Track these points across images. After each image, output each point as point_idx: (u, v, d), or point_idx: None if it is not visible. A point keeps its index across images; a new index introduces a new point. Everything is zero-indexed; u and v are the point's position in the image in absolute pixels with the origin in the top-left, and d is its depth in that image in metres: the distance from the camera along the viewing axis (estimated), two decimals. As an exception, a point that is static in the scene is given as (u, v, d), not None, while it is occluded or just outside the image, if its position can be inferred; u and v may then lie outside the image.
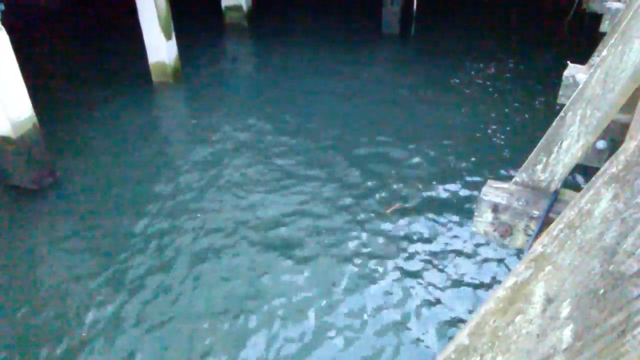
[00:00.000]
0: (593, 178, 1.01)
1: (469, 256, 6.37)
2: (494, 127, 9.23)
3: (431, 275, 6.09)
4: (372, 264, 6.26)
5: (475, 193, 7.33)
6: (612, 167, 0.95)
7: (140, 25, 10.49)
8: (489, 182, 2.41)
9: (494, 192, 2.34)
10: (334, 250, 6.46)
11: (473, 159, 8.26)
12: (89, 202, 7.41)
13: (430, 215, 7.05)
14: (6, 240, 6.74)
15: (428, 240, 6.62)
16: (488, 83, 10.97)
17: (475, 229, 2.40)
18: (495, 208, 2.29)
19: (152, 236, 6.74)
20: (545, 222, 2.14)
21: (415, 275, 6.10)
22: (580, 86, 2.09)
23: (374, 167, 8.14)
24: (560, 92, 3.40)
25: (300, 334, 5.38)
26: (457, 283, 5.98)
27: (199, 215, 7.11)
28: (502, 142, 8.77)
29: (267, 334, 5.39)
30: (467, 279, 6.04)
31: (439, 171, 7.98)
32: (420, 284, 5.99)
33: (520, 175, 2.33)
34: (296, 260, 6.32)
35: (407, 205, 7.27)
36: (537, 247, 1.06)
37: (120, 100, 10.38)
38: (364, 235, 6.71)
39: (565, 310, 1.05)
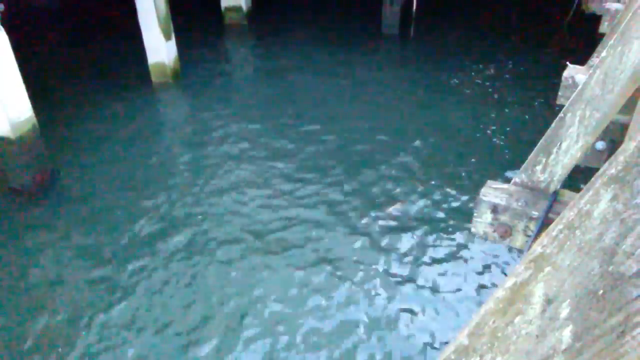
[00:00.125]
0: (592, 179, 1.01)
1: (468, 255, 6.37)
2: (493, 127, 9.23)
3: (431, 274, 6.09)
4: (373, 261, 6.26)
5: (474, 193, 7.33)
6: (611, 167, 0.95)
7: (140, 25, 10.49)
8: (489, 182, 2.41)
9: (493, 192, 2.34)
10: (335, 249, 6.46)
11: (473, 159, 8.27)
12: (88, 203, 7.40)
13: (430, 215, 7.05)
14: (4, 243, 6.73)
15: (428, 240, 6.62)
16: (488, 83, 10.98)
17: (474, 230, 2.40)
18: (495, 209, 2.29)
19: (152, 237, 6.74)
20: (545, 223, 2.15)
21: (415, 273, 6.10)
22: (580, 87, 2.09)
23: (374, 166, 8.14)
24: (560, 93, 3.40)
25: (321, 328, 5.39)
26: (457, 281, 5.98)
27: (199, 216, 7.11)
28: (502, 143, 8.78)
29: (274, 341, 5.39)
30: (466, 277, 6.04)
31: (438, 171, 7.98)
32: (421, 281, 5.99)
33: (519, 176, 2.33)
34: (297, 259, 6.32)
35: (407, 204, 7.27)
36: (537, 248, 1.06)
37: (120, 101, 10.38)
38: (365, 235, 6.71)
39: (564, 311, 1.05)
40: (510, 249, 6.28)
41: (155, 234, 6.78)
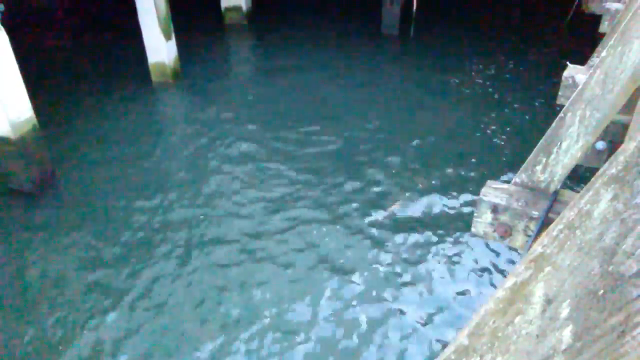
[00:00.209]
0: (592, 179, 1.01)
1: (467, 253, 6.37)
2: (493, 127, 9.23)
3: (431, 274, 6.09)
4: (374, 258, 6.26)
5: (474, 193, 7.33)
6: (611, 167, 0.95)
7: (140, 25, 10.49)
8: (489, 182, 2.41)
9: (493, 192, 2.34)
10: (337, 247, 6.46)
11: (473, 159, 8.27)
12: (87, 204, 7.40)
13: (430, 215, 7.05)
14: (2, 243, 6.72)
15: (427, 240, 6.62)
16: (488, 83, 10.97)
17: (474, 230, 2.40)
18: (495, 209, 2.29)
19: (151, 237, 6.74)
20: (545, 223, 2.14)
21: (416, 272, 6.10)
22: (580, 87, 2.09)
23: (374, 166, 8.14)
24: (560, 93, 3.40)
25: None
26: (457, 279, 5.98)
27: (199, 216, 7.11)
28: (502, 143, 8.78)
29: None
30: (467, 275, 6.04)
31: (438, 171, 7.98)
32: (420, 281, 5.99)
33: (519, 176, 2.33)
34: (297, 258, 6.32)
35: (407, 204, 7.27)
36: (537, 248, 1.06)
37: (120, 101, 10.38)
38: (366, 233, 6.71)
39: (564, 311, 1.05)
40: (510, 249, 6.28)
41: (154, 235, 6.78)
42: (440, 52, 12.54)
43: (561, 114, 2.13)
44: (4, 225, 7.03)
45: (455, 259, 6.35)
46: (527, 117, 9.57)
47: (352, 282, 6.01)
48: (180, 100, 10.99)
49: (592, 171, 2.02)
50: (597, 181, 0.98)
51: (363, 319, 5.55)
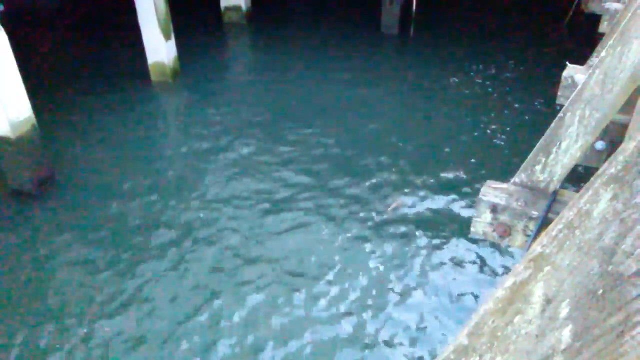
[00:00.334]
0: (592, 179, 1.01)
1: (467, 253, 6.37)
2: (493, 127, 9.23)
3: (431, 271, 6.09)
4: (374, 255, 6.26)
5: (474, 193, 7.34)
6: (611, 167, 0.95)
7: (140, 25, 10.49)
8: (488, 182, 2.40)
9: (493, 192, 2.34)
10: (340, 244, 6.46)
11: (473, 159, 8.27)
12: (87, 204, 7.40)
13: (430, 214, 7.05)
14: (1, 243, 6.72)
15: (427, 240, 6.62)
16: (488, 83, 10.98)
17: (474, 230, 2.40)
18: (495, 209, 2.29)
19: (151, 238, 6.74)
20: (544, 223, 2.14)
21: (416, 270, 6.10)
22: (579, 87, 2.09)
23: (374, 165, 8.14)
24: (559, 93, 3.40)
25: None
26: (456, 277, 5.98)
27: (201, 215, 7.11)
28: (502, 143, 8.78)
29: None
30: (465, 273, 6.04)
31: (438, 170, 7.98)
32: (421, 278, 5.99)
33: (519, 176, 2.33)
34: (296, 257, 6.32)
35: (407, 203, 7.27)
36: (536, 248, 1.06)
37: (120, 101, 10.37)
38: (367, 232, 6.71)
39: (564, 311, 1.05)
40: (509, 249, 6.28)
41: (154, 235, 6.78)
42: (440, 52, 12.54)
43: (561, 114, 2.13)
44: (3, 225, 7.03)
45: (454, 259, 6.35)
46: (527, 117, 9.57)
47: (353, 282, 6.01)
48: (179, 100, 10.99)
49: (592, 171, 2.02)
50: (596, 181, 0.98)
51: (363, 321, 5.56)
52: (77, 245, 6.64)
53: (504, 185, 2.36)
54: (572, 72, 3.37)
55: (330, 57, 12.51)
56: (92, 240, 6.71)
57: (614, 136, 2.75)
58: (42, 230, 6.94)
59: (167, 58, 10.85)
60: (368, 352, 5.21)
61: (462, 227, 6.81)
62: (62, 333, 5.43)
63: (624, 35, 1.93)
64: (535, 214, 2.20)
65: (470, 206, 7.12)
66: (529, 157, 2.27)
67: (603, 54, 1.99)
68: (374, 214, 7.08)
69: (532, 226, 2.21)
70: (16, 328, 5.50)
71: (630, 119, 2.56)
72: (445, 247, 6.53)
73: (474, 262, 6.30)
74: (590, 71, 2.05)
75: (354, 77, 11.42)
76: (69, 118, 9.64)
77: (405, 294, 5.84)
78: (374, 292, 5.86)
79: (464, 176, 7.86)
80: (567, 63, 3.51)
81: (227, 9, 14.71)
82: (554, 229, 1.04)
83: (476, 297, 5.80)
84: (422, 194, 7.49)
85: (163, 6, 10.38)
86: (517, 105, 9.98)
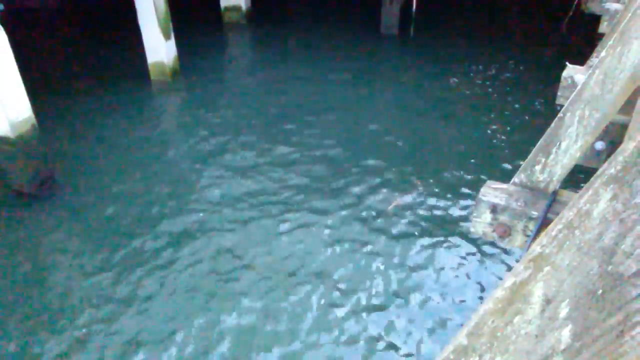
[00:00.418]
0: (592, 179, 1.01)
1: (466, 253, 6.37)
2: (493, 127, 9.24)
3: (429, 268, 6.09)
4: (374, 252, 6.26)
5: (474, 193, 7.34)
6: (610, 167, 0.95)
7: (139, 25, 10.49)
8: (488, 182, 2.41)
9: (492, 192, 2.34)
10: (342, 241, 6.46)
11: (472, 159, 8.27)
12: (86, 204, 7.40)
13: (429, 213, 7.06)
14: (3, 243, 6.72)
15: (425, 236, 6.63)
16: (487, 83, 10.98)
17: (473, 230, 2.40)
18: (494, 209, 2.29)
19: (150, 238, 6.74)
20: (544, 223, 2.14)
21: (415, 267, 6.10)
22: (579, 87, 2.09)
23: (374, 165, 8.14)
24: (559, 93, 3.40)
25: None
26: (455, 274, 5.99)
27: (201, 214, 7.11)
28: (502, 143, 8.78)
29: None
30: (464, 270, 6.05)
31: (438, 170, 7.99)
32: (419, 275, 5.99)
33: (518, 176, 2.33)
34: (302, 252, 6.32)
35: (406, 202, 7.28)
36: (536, 248, 1.06)
37: (119, 101, 10.38)
38: (367, 230, 6.72)
39: (563, 311, 1.05)
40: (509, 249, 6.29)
41: (153, 236, 6.78)
42: (440, 52, 12.55)
43: (560, 114, 2.13)
44: (2, 224, 7.03)
45: (454, 259, 6.35)
46: (526, 117, 9.57)
47: (353, 282, 6.01)
48: (179, 100, 10.99)
49: (591, 171, 2.02)
50: (596, 181, 0.98)
51: (363, 324, 5.56)
52: (76, 246, 6.64)
53: (504, 185, 2.36)
54: (572, 72, 3.37)
55: (330, 56, 12.51)
56: (92, 241, 6.70)
57: (613, 136, 2.75)
58: (42, 229, 6.94)
59: (166, 58, 10.85)
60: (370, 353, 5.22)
61: (462, 227, 6.81)
62: (59, 333, 5.43)
63: (623, 35, 1.93)
64: (534, 214, 2.20)
65: (470, 206, 7.12)
66: (529, 157, 2.27)
67: (603, 53, 1.99)
68: (373, 213, 7.08)
69: (532, 226, 2.22)
70: (13, 328, 5.49)
71: (629, 119, 2.56)
72: (444, 247, 6.53)
73: (473, 262, 6.30)
74: (590, 71, 2.05)
75: (354, 76, 11.42)
76: (69, 118, 9.64)
77: (404, 294, 5.85)
78: (374, 292, 5.87)
79: (464, 176, 7.86)
80: (567, 63, 3.51)
81: (227, 8, 14.71)
82: (553, 229, 1.04)
83: (476, 297, 5.81)
84: (421, 193, 7.49)
85: (163, 6, 10.38)
86: (517, 105, 9.99)
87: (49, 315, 5.64)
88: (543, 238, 1.05)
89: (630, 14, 1.93)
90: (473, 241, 6.56)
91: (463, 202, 7.28)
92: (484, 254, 6.40)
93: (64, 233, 6.87)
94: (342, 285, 5.93)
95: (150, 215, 7.12)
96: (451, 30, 13.86)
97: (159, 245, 6.58)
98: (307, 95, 10.64)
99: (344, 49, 12.91)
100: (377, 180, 7.79)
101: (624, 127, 2.69)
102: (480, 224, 2.36)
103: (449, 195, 7.45)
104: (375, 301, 5.74)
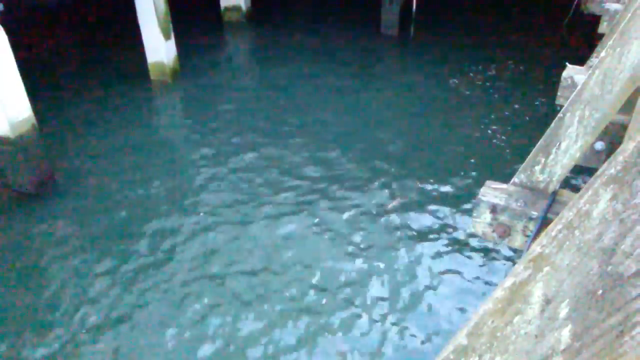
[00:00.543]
0: (591, 179, 1.01)
1: (466, 253, 6.37)
2: (494, 127, 9.24)
3: (428, 266, 6.09)
4: (373, 250, 6.26)
5: (474, 193, 7.34)
6: (610, 168, 0.95)
7: (139, 25, 10.48)
8: (488, 182, 2.41)
9: (492, 192, 2.34)
10: (344, 238, 6.47)
11: (473, 159, 8.27)
12: (86, 204, 7.40)
13: (429, 213, 7.06)
14: (1, 243, 6.71)
15: (424, 235, 6.63)
16: (488, 84, 10.98)
17: (473, 230, 2.40)
18: (494, 209, 2.29)
19: (149, 238, 6.74)
20: (544, 223, 2.14)
21: (415, 265, 6.10)
22: (579, 87, 2.09)
23: (374, 165, 8.15)
24: (559, 93, 3.40)
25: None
26: (452, 272, 5.99)
27: (201, 214, 7.11)
28: (502, 143, 8.78)
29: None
30: (462, 268, 6.05)
31: (438, 170, 7.99)
32: (418, 273, 5.99)
33: (518, 176, 2.33)
34: (303, 252, 6.32)
35: (406, 202, 7.28)
36: (536, 248, 1.06)
37: (119, 101, 10.37)
38: (368, 228, 6.73)
39: (563, 311, 1.05)
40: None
41: (153, 235, 6.78)
42: (440, 52, 12.54)
43: (560, 114, 2.13)
44: (2, 224, 7.03)
45: (453, 259, 6.35)
46: (527, 117, 9.57)
47: (353, 281, 6.01)
48: (179, 100, 10.99)
49: (591, 171, 2.02)
50: (596, 181, 0.98)
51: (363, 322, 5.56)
52: (76, 245, 6.64)
53: (504, 186, 2.36)
54: (572, 72, 3.37)
55: (330, 56, 12.51)
56: (91, 240, 6.70)
57: (613, 136, 2.75)
58: (41, 229, 6.94)
59: (166, 57, 10.85)
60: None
61: (462, 227, 6.81)
62: (56, 333, 5.43)
63: (623, 36, 1.93)
64: (534, 214, 2.20)
65: (470, 206, 7.13)
66: (529, 157, 2.27)
67: (602, 54, 1.99)
68: (374, 212, 7.08)
69: (532, 226, 2.21)
70: (12, 328, 5.49)
71: (629, 119, 2.56)
72: (444, 246, 6.53)
73: (473, 262, 6.30)
74: (590, 71, 2.05)
75: (354, 76, 11.42)
76: (69, 118, 9.63)
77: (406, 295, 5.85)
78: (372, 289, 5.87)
79: (464, 176, 7.86)
80: (567, 63, 3.51)
81: (227, 8, 14.70)
82: (553, 229, 1.04)
83: (474, 296, 5.81)
84: (421, 193, 7.49)
85: (163, 6, 10.37)
86: (517, 106, 9.99)
87: (46, 315, 5.63)
88: (543, 238, 1.05)
89: (630, 14, 1.93)
90: (473, 241, 6.56)
91: (463, 202, 7.28)
92: (483, 255, 6.40)
93: (64, 232, 6.86)
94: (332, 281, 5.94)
95: (150, 214, 7.11)
96: (451, 31, 13.85)
97: (158, 246, 6.57)
98: (306, 95, 10.64)
99: (344, 49, 12.91)
100: (377, 179, 7.79)
101: (623, 127, 2.69)
102: (480, 224, 2.36)
103: (448, 195, 7.45)
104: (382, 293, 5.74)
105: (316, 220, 6.98)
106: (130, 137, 9.15)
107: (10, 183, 7.54)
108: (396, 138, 8.93)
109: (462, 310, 5.64)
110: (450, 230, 6.80)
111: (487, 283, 6.00)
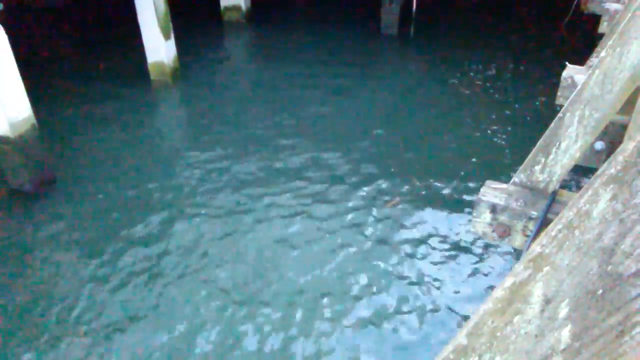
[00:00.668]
0: (591, 179, 1.01)
1: (465, 252, 6.38)
2: (494, 127, 9.24)
3: (426, 265, 6.10)
4: (374, 248, 6.27)
5: (473, 193, 7.34)
6: (610, 167, 0.95)
7: (139, 25, 10.48)
8: (488, 182, 2.41)
9: (492, 192, 2.34)
10: (345, 236, 6.47)
11: (473, 159, 8.27)
12: (86, 204, 7.39)
13: (428, 213, 7.06)
14: (1, 243, 6.71)
15: (424, 235, 6.63)
16: (488, 84, 10.98)
17: (473, 230, 2.41)
18: (494, 209, 2.29)
19: (149, 238, 6.74)
20: (544, 223, 2.15)
21: (413, 264, 6.11)
22: (579, 87, 2.09)
23: (374, 164, 8.15)
24: (559, 93, 3.40)
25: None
26: (450, 271, 5.99)
27: (201, 217, 7.10)
28: (502, 143, 8.78)
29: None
30: (460, 267, 6.05)
31: (438, 170, 7.98)
32: (416, 271, 6.00)
33: (518, 176, 2.33)
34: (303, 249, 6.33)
35: (405, 202, 7.28)
36: (536, 248, 1.06)
37: (119, 101, 10.37)
38: (367, 227, 6.73)
39: (563, 311, 1.05)
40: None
41: (152, 236, 6.78)
42: (440, 53, 12.54)
43: (560, 114, 2.13)
44: (2, 224, 7.03)
45: (452, 258, 6.35)
46: (527, 117, 9.57)
47: (354, 282, 6.02)
48: (179, 100, 10.99)
49: (590, 172, 2.02)
50: (596, 181, 0.98)
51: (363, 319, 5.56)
52: (75, 246, 6.64)
53: (503, 185, 2.37)
54: (572, 72, 3.37)
55: (330, 56, 12.50)
56: (91, 241, 6.70)
57: (613, 136, 2.75)
58: (41, 230, 6.93)
59: (166, 57, 10.84)
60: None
61: (461, 227, 6.81)
62: (57, 334, 5.43)
63: (623, 36, 1.93)
64: (534, 214, 2.21)
65: (470, 205, 7.13)
66: (528, 157, 2.27)
67: (602, 54, 1.99)
68: (373, 211, 7.08)
69: (532, 226, 2.22)
70: (11, 328, 5.49)
71: (629, 119, 2.56)
72: (443, 247, 6.53)
73: (472, 262, 6.30)
74: (590, 71, 2.05)
75: (354, 76, 11.41)
76: (69, 118, 9.63)
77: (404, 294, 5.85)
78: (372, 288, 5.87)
79: (464, 176, 7.85)
80: (567, 63, 3.51)
81: (227, 8, 14.71)
82: (553, 228, 1.04)
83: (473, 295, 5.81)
84: (421, 193, 7.49)
85: (163, 6, 10.37)
86: (517, 105, 9.99)
87: (44, 315, 5.64)
88: (543, 238, 1.06)
89: (630, 15, 1.94)
90: (472, 241, 6.56)
91: (463, 202, 7.28)
92: (482, 256, 6.41)
93: (63, 233, 6.86)
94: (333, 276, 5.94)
95: (150, 216, 7.11)
96: (451, 31, 13.86)
97: (157, 246, 6.57)
98: (306, 95, 10.63)
99: (344, 49, 12.91)
100: (376, 179, 7.79)
101: (623, 127, 2.69)
102: (480, 224, 2.36)
103: (448, 195, 7.45)
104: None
105: (316, 220, 6.97)
106: (130, 136, 9.15)
107: (9, 182, 7.54)
108: (396, 137, 8.93)
109: (461, 313, 5.64)
110: (451, 230, 6.80)
111: (489, 287, 6.01)
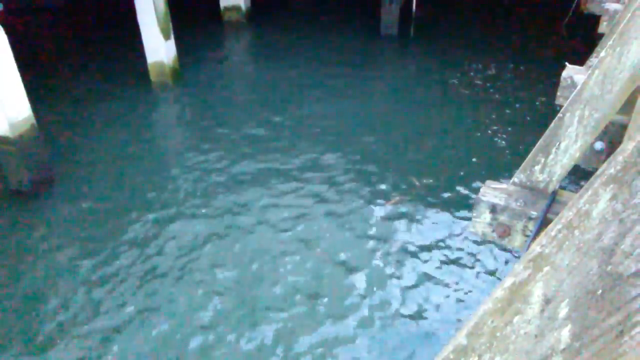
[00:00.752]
0: (591, 179, 1.01)
1: (465, 253, 6.38)
2: (494, 127, 9.24)
3: (426, 265, 6.10)
4: (373, 247, 6.27)
5: (473, 193, 7.34)
6: (610, 167, 0.95)
7: (139, 25, 10.48)
8: (487, 182, 2.41)
9: (492, 192, 2.34)
10: (344, 234, 6.47)
11: (473, 159, 8.27)
12: (86, 204, 7.39)
13: (428, 213, 7.06)
14: (0, 243, 6.71)
15: (424, 235, 6.63)
16: (488, 84, 10.98)
17: (473, 230, 2.40)
18: (494, 209, 2.29)
19: (149, 238, 6.74)
20: (544, 223, 2.14)
21: (413, 264, 6.11)
22: (579, 87, 2.09)
23: (374, 164, 8.15)
24: (558, 93, 3.39)
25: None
26: (451, 271, 5.99)
27: (203, 218, 7.10)
28: (502, 143, 8.78)
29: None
30: (460, 267, 6.05)
31: (438, 170, 7.99)
32: (415, 270, 6.00)
33: (518, 176, 2.33)
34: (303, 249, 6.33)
35: (405, 202, 7.28)
36: (536, 248, 1.06)
37: (119, 101, 10.37)
38: (367, 226, 6.73)
39: (563, 311, 1.05)
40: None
41: (152, 236, 6.78)
42: (440, 53, 12.54)
43: (560, 114, 2.13)
44: (1, 224, 7.02)
45: (452, 258, 6.35)
46: (527, 117, 9.58)
47: (355, 281, 6.01)
48: (179, 100, 10.98)
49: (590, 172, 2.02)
50: (595, 181, 0.98)
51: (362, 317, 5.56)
52: (75, 247, 6.64)
53: (503, 185, 2.36)
54: (571, 72, 3.37)
55: (330, 56, 12.50)
56: (90, 242, 6.70)
57: (613, 136, 2.75)
58: (40, 230, 6.93)
59: (166, 57, 10.84)
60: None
61: (461, 227, 6.81)
62: (57, 334, 5.43)
63: (623, 36, 1.93)
64: (534, 214, 2.20)
65: (469, 205, 7.13)
66: (528, 157, 2.27)
67: (602, 54, 1.99)
68: (373, 211, 7.08)
69: (531, 226, 2.22)
70: (11, 329, 5.49)
71: (629, 119, 2.56)
72: (443, 247, 6.53)
73: (472, 262, 6.30)
74: (590, 71, 2.05)
75: (353, 76, 11.41)
76: (68, 118, 9.63)
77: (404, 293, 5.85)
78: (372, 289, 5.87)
79: (464, 176, 7.86)
80: (566, 63, 3.50)
81: (227, 8, 14.71)
82: (553, 228, 1.04)
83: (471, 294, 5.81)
84: (421, 193, 7.49)
85: (162, 6, 10.37)
86: (517, 105, 9.99)
87: (43, 316, 5.63)
88: (542, 238, 1.06)
89: (629, 15, 1.93)
90: (472, 242, 6.56)
91: (463, 202, 7.28)
92: (481, 257, 6.40)
93: (61, 232, 6.86)
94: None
95: (148, 215, 7.11)
96: (451, 31, 13.86)
97: (155, 246, 6.57)
98: (306, 95, 10.63)
99: (344, 49, 12.91)
100: (376, 179, 7.79)
101: (623, 127, 2.69)
102: (480, 224, 2.36)
103: (448, 195, 7.45)
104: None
105: (316, 220, 6.97)
106: (130, 137, 9.15)
107: (9, 182, 7.54)
108: (396, 137, 8.93)
109: (461, 313, 5.64)
110: (451, 230, 6.80)
111: (489, 287, 6.01)
